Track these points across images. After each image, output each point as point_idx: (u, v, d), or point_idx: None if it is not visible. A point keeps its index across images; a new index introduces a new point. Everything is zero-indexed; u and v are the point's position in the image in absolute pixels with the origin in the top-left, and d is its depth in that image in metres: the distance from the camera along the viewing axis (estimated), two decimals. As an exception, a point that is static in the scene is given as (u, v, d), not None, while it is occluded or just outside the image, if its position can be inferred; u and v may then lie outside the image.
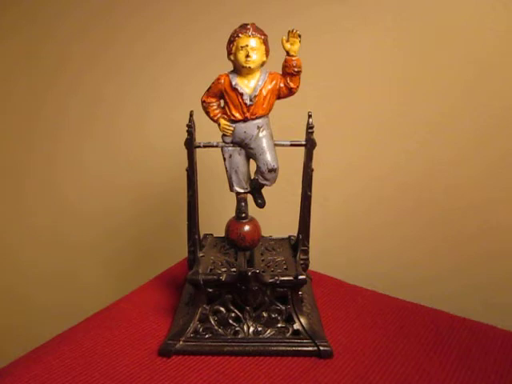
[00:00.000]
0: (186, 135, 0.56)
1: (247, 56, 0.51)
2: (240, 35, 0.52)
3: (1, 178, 1.07)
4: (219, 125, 0.56)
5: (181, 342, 0.54)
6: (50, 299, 1.10)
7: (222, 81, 0.54)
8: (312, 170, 0.58)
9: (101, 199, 1.04)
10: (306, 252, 0.63)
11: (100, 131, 1.00)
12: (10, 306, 1.13)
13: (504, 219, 0.83)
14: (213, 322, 0.56)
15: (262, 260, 0.61)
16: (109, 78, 0.96)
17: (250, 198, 0.60)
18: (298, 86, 0.54)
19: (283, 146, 0.57)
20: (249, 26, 0.52)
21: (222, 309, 0.56)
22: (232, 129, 0.55)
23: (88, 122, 0.99)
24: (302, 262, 0.62)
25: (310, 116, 0.56)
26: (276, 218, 0.73)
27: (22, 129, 1.02)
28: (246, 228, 0.59)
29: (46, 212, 1.06)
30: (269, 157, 0.55)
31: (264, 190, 0.60)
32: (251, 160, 0.58)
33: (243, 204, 0.59)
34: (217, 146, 0.57)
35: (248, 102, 0.53)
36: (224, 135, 0.56)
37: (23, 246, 1.10)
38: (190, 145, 0.57)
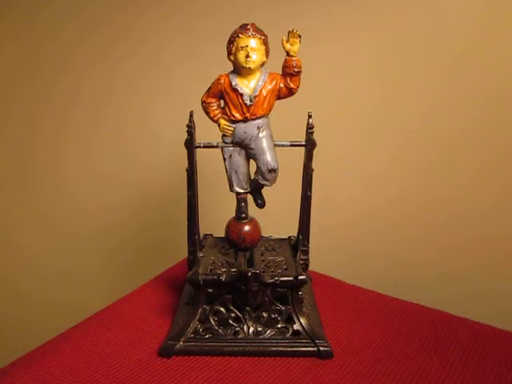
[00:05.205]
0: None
1: (247, 56, 0.51)
2: (240, 35, 0.52)
3: (4, 173, 1.07)
4: (219, 125, 0.56)
5: (181, 343, 0.54)
6: (50, 299, 1.10)
7: (222, 81, 0.54)
8: (312, 170, 0.58)
9: (101, 200, 1.04)
10: (306, 252, 0.62)
11: (104, 129, 1.00)
12: (9, 305, 1.13)
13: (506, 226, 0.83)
14: (213, 322, 0.56)
15: (262, 260, 0.61)
16: (114, 78, 0.96)
17: (250, 198, 0.60)
18: (298, 87, 0.54)
19: (283, 146, 0.57)
20: (249, 27, 0.52)
21: (222, 309, 0.56)
22: (232, 129, 0.55)
23: (93, 120, 1.00)
24: (302, 262, 0.62)
25: (310, 116, 0.56)
26: (276, 218, 0.73)
27: (29, 124, 1.03)
28: (246, 228, 0.59)
29: (49, 213, 1.07)
30: (269, 157, 0.55)
31: (264, 190, 0.60)
32: (251, 160, 0.58)
33: (243, 204, 0.59)
34: (217, 147, 0.57)
35: (248, 103, 0.53)
36: (224, 135, 0.56)
37: (24, 245, 1.10)
38: (190, 145, 0.57)
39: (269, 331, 0.56)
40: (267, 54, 0.53)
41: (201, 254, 0.61)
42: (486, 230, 0.84)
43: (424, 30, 0.79)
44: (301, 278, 0.55)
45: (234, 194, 0.60)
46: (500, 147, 0.81)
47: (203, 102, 0.56)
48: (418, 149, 0.85)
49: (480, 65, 0.78)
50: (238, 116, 0.54)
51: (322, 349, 0.54)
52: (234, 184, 0.58)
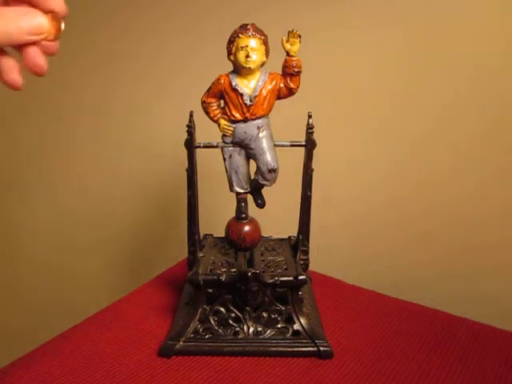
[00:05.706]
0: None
1: (247, 56, 0.51)
2: (240, 35, 0.52)
3: (4, 173, 1.07)
4: (219, 125, 0.56)
5: (181, 343, 0.54)
6: (50, 299, 1.10)
7: (222, 81, 0.54)
8: (312, 170, 0.58)
9: (101, 200, 1.04)
10: (306, 252, 0.62)
11: (104, 129, 1.00)
12: (10, 305, 1.13)
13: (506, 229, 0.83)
14: (213, 322, 0.56)
15: (262, 260, 0.61)
16: (113, 78, 0.96)
17: (250, 198, 0.60)
18: (298, 87, 0.54)
19: (283, 146, 0.57)
20: (249, 27, 0.52)
21: (222, 309, 0.56)
22: (232, 129, 0.55)
23: (92, 120, 0.99)
24: (302, 262, 0.62)
25: (310, 116, 0.56)
26: (276, 218, 0.73)
27: (32, 124, 1.03)
28: (246, 228, 0.59)
29: (48, 216, 1.07)
30: (269, 157, 0.55)
31: (264, 190, 0.60)
32: (251, 160, 0.58)
33: (243, 204, 0.59)
34: (217, 147, 0.57)
35: (248, 103, 0.53)
36: (224, 135, 0.56)
37: (24, 245, 1.10)
38: (190, 145, 0.57)
39: (269, 331, 0.56)
40: (267, 54, 0.53)
41: (201, 254, 0.61)
42: (486, 231, 0.84)
43: (426, 30, 0.79)
44: (301, 278, 0.55)
45: (234, 194, 0.60)
46: (505, 154, 0.80)
47: (203, 102, 0.56)
48: (418, 150, 0.85)
49: (487, 68, 0.78)
50: (238, 116, 0.54)
51: (321, 349, 0.54)
52: (234, 184, 0.58)
